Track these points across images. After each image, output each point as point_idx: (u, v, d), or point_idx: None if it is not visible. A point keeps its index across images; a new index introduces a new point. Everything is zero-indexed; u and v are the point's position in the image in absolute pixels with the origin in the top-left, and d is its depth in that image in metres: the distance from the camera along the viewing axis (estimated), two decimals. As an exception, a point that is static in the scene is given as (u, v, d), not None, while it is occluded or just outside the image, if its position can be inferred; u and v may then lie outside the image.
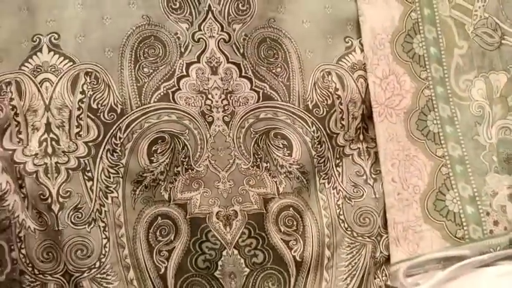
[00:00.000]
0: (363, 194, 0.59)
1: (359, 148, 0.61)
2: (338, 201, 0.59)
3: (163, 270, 0.56)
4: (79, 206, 0.54)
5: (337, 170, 0.60)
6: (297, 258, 0.58)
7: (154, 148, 0.55)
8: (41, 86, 0.54)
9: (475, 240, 0.57)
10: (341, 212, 0.59)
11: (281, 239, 0.58)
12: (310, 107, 0.58)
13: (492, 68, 0.62)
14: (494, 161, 0.59)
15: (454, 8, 0.62)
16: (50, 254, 0.54)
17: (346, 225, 0.59)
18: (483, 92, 0.61)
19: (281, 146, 0.58)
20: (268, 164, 0.58)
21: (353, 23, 0.61)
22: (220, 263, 0.57)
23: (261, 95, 0.57)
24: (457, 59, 0.61)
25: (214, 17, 0.56)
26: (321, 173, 0.59)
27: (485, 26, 0.62)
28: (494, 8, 0.62)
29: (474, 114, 0.61)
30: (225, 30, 0.56)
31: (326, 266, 0.58)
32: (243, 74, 0.57)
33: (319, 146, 0.58)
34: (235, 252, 0.57)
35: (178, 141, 0.56)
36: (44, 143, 0.53)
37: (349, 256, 0.58)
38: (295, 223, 0.58)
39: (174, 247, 0.56)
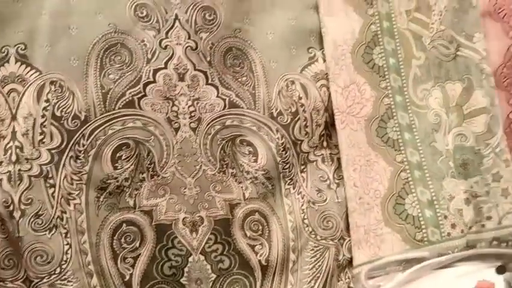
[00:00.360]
0: (326, 199, 0.59)
1: (323, 154, 0.61)
2: (302, 205, 0.59)
3: (128, 277, 0.55)
4: (40, 212, 0.52)
5: (302, 176, 0.60)
6: (263, 262, 0.57)
7: (118, 155, 0.54)
8: (8, 96, 0.52)
9: (434, 242, 0.58)
10: (305, 216, 0.59)
11: (247, 243, 0.57)
12: (275, 115, 0.58)
13: (448, 78, 0.63)
14: (451, 166, 0.61)
15: (412, 21, 0.63)
16: (11, 261, 0.52)
17: (310, 229, 0.59)
18: (440, 100, 0.63)
19: (247, 152, 0.58)
20: (234, 170, 0.58)
21: (315, 35, 0.61)
22: (186, 269, 0.56)
23: (227, 102, 0.57)
24: (414, 70, 0.63)
25: (181, 25, 0.56)
26: (286, 179, 0.59)
27: (442, 38, 0.64)
28: (450, 21, 0.64)
29: (431, 122, 0.62)
30: (191, 38, 0.56)
31: (291, 270, 0.58)
32: (210, 81, 0.57)
33: (284, 152, 0.58)
34: (202, 258, 0.56)
35: (143, 148, 0.55)
36: (9, 151, 0.52)
37: (313, 259, 0.58)
38: (261, 228, 0.58)
39: (139, 254, 0.55)
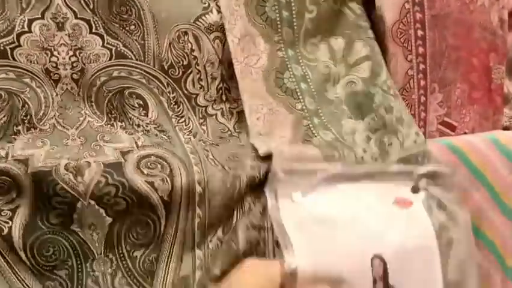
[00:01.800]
0: (229, 141, 0.56)
1: (222, 108, 0.58)
2: (205, 147, 0.54)
3: (6, 230, 0.46)
4: None
5: (202, 129, 0.56)
6: (165, 198, 0.49)
7: None
8: None
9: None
10: (210, 154, 0.53)
11: (145, 181, 0.49)
12: (166, 68, 0.54)
13: (333, 33, 0.64)
14: (345, 109, 0.61)
15: (303, -25, 0.63)
16: None
17: (217, 162, 0.53)
18: (327, 53, 0.64)
19: (136, 105, 0.53)
20: (123, 123, 0.52)
21: None
22: (75, 215, 0.47)
23: (113, 52, 0.52)
24: (306, 23, 0.63)
25: None
26: (184, 131, 0.54)
27: (330, -7, 0.65)
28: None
29: (322, 73, 0.62)
30: None
31: (198, 203, 0.51)
32: (94, 30, 0.52)
33: (176, 106, 0.54)
34: (92, 202, 0.48)
35: (18, 99, 0.48)
36: None
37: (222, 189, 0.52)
38: (159, 166, 0.50)
39: (18, 205, 0.47)
